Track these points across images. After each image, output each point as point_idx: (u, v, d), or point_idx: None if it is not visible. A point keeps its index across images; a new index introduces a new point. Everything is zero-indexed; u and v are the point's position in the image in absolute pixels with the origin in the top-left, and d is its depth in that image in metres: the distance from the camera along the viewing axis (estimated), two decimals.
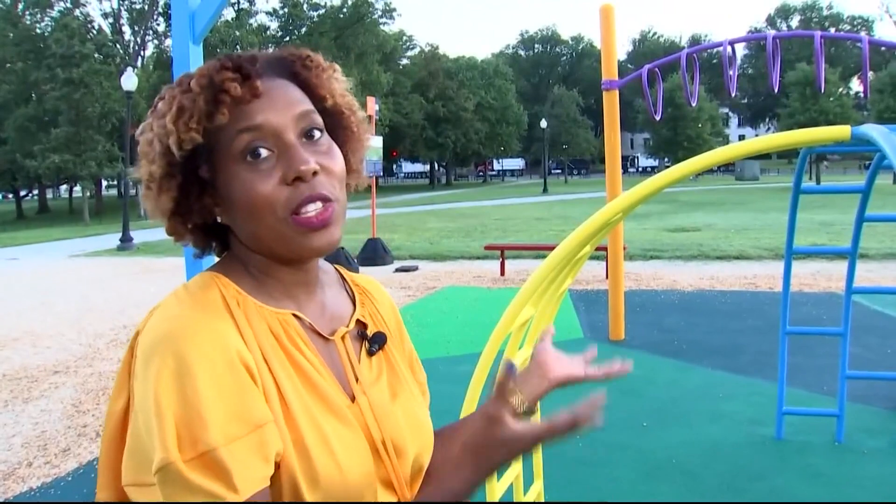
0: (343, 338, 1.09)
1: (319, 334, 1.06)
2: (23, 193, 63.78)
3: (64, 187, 66.83)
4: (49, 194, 62.41)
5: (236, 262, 1.05)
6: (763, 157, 70.84)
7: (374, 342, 1.13)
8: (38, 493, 4.51)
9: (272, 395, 0.94)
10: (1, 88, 47.56)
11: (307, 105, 1.02)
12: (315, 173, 0.97)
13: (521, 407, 1.21)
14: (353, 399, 1.04)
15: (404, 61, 71.15)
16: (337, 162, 1.02)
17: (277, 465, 0.91)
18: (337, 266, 1.22)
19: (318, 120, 1.03)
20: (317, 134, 1.02)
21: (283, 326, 1.01)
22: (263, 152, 0.97)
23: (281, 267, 1.05)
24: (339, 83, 1.09)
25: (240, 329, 0.96)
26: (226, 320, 0.95)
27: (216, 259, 1.10)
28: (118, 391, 0.98)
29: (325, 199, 0.99)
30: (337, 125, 1.09)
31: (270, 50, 1.08)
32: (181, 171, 0.98)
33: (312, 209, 0.98)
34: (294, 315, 1.03)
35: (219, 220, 1.04)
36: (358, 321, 1.14)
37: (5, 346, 8.72)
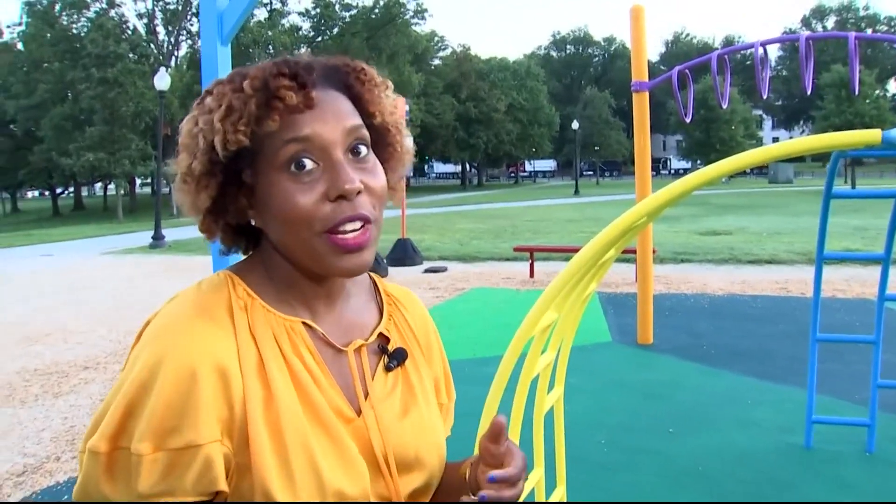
0: (360, 350, 1.07)
1: (332, 345, 1.04)
2: (59, 191, 64.80)
3: (99, 185, 67.78)
4: (84, 192, 63.27)
5: (258, 265, 1.05)
6: (797, 159, 69.96)
7: (394, 358, 1.10)
8: (65, 488, 4.55)
9: (257, 400, 0.93)
10: (38, 88, 48.36)
11: (357, 119, 1.01)
12: (359, 192, 0.96)
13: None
14: (359, 413, 1.02)
15: (436, 62, 71.22)
16: (380, 180, 1.01)
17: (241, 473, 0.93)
18: (372, 274, 1.19)
19: (366, 135, 1.02)
20: (363, 150, 1.00)
21: (288, 334, 1.00)
22: (308, 164, 0.96)
23: (304, 278, 1.04)
24: (389, 100, 1.08)
25: (237, 334, 0.95)
26: (221, 324, 0.95)
27: (241, 257, 1.10)
28: None
29: (366, 221, 0.98)
30: (382, 142, 1.08)
31: (325, 57, 1.05)
32: (222, 171, 0.97)
33: (350, 229, 0.96)
34: (305, 324, 1.02)
35: (252, 222, 1.03)
36: (380, 334, 1.12)
37: (37, 341, 8.85)
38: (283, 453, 0.92)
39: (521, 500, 2.82)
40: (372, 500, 1.00)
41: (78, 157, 43.62)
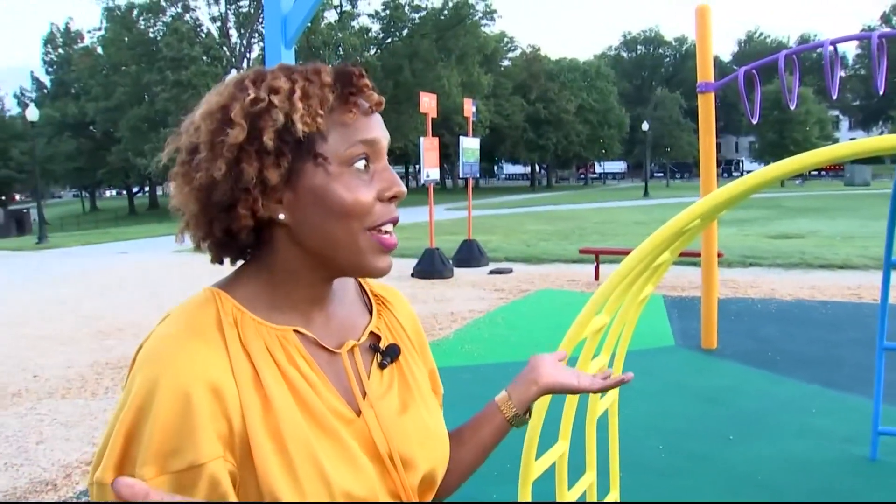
0: (353, 350, 1.09)
1: (325, 348, 1.05)
2: (135, 190, 66.75)
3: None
4: (159, 191, 65.01)
5: (252, 275, 1.04)
6: (875, 161, 67.80)
7: (387, 355, 1.12)
8: None
9: (255, 412, 0.94)
10: (116, 90, 49.92)
11: None
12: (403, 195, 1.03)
13: (509, 412, 1.25)
14: (359, 413, 1.03)
15: (505, 63, 71.18)
16: None
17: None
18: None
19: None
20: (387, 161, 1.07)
21: (281, 343, 1.00)
22: (366, 165, 1.01)
23: (306, 283, 1.04)
24: None
25: (228, 350, 0.96)
26: (213, 342, 0.96)
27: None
28: None
29: (395, 225, 1.04)
30: None
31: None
32: (291, 151, 0.97)
33: (388, 230, 1.03)
34: (296, 331, 1.03)
35: (281, 216, 0.99)
36: (371, 333, 1.14)
37: (110, 335, 9.14)
38: (287, 461, 0.93)
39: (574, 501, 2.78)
40: (382, 498, 1.01)
41: (153, 158, 44.78)
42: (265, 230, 1.02)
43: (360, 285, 1.22)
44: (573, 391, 1.28)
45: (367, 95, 1.01)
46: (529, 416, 1.27)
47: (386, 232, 1.03)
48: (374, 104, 1.02)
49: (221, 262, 1.08)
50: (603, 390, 1.28)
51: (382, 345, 1.13)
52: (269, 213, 0.99)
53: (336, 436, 0.99)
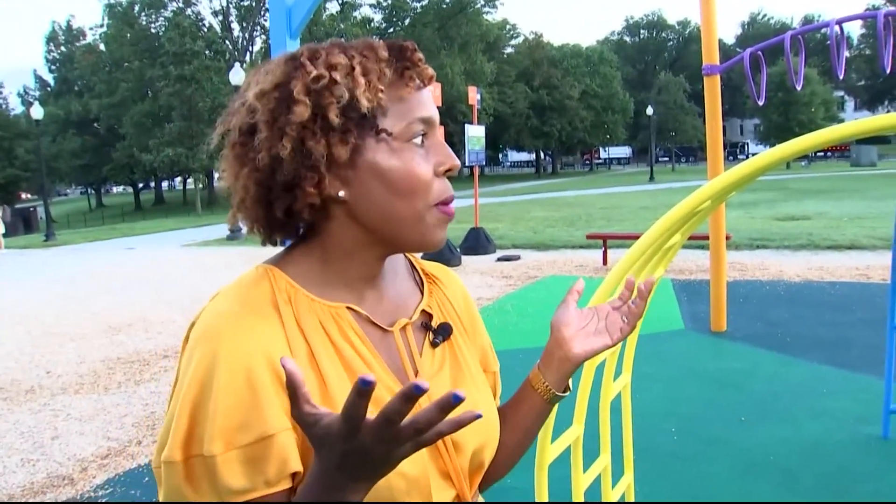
0: (405, 329, 1.08)
1: (378, 326, 1.05)
2: (140, 186, 66.87)
3: (178, 179, 69.67)
4: (164, 186, 65.17)
5: (305, 253, 1.04)
6: (881, 141, 67.46)
7: (439, 333, 1.11)
8: (146, 470, 4.73)
9: (312, 391, 0.92)
10: (119, 87, 49.99)
11: None
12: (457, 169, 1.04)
13: (546, 393, 1.22)
14: None
15: (508, 50, 71.11)
16: None
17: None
18: (407, 253, 1.21)
19: None
20: None
21: (335, 320, 1.00)
22: (423, 141, 1.01)
23: (362, 260, 1.04)
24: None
25: (284, 326, 0.96)
26: (269, 318, 0.95)
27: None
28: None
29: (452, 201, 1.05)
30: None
31: None
32: (356, 126, 0.96)
33: (451, 204, 1.04)
34: (349, 308, 1.03)
35: (342, 193, 0.99)
36: (423, 311, 1.13)
37: (120, 331, 9.18)
38: None
39: (586, 486, 2.79)
40: (434, 479, 1.00)
41: (158, 153, 44.98)
42: (324, 208, 1.01)
43: (411, 264, 1.21)
44: (606, 349, 1.23)
45: (422, 69, 1.01)
46: (569, 389, 1.25)
47: (450, 207, 1.04)
48: (427, 78, 1.02)
49: (275, 244, 1.07)
50: (631, 331, 1.21)
51: (434, 323, 1.13)
52: (332, 191, 0.98)
53: None
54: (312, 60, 0.97)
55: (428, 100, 1.02)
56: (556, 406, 2.39)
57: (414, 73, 1.00)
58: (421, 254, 1.09)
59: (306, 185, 0.96)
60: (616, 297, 1.24)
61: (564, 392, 1.23)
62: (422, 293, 1.16)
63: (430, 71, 1.03)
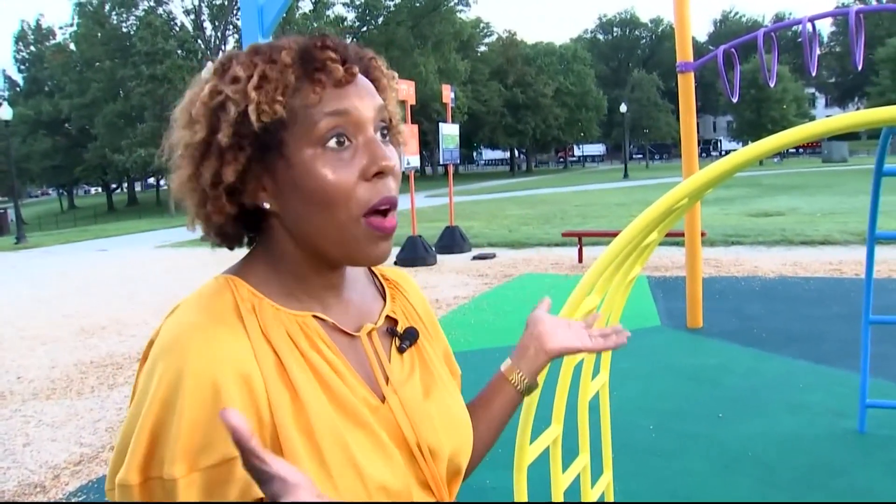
0: (370, 335, 1.04)
1: (345, 333, 1.01)
2: (113, 187, 66.24)
3: (151, 180, 69.11)
4: (137, 187, 64.58)
5: (261, 261, 1.00)
6: (852, 137, 68.29)
7: (405, 338, 1.08)
8: None
9: (283, 405, 0.89)
10: (91, 87, 49.45)
11: (381, 100, 0.99)
12: (392, 170, 0.95)
13: (520, 384, 1.24)
14: (383, 400, 0.99)
15: (482, 48, 71.23)
16: (398, 164, 0.99)
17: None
18: None
19: (388, 118, 1.00)
20: (386, 132, 0.99)
21: (301, 329, 0.96)
22: (342, 142, 0.93)
23: (314, 270, 1.00)
24: (395, 92, 1.06)
25: (250, 337, 0.91)
26: (234, 329, 0.91)
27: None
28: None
29: (394, 206, 0.96)
30: (389, 132, 1.04)
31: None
32: (251, 144, 0.92)
33: (384, 210, 0.95)
34: (315, 316, 0.99)
35: (266, 206, 0.95)
36: (387, 317, 1.09)
37: (93, 334, 9.06)
38: (318, 454, 0.89)
39: (565, 486, 2.77)
40: (415, 490, 0.98)
41: (130, 153, 44.59)
42: (261, 218, 0.98)
43: (370, 269, 1.17)
44: (579, 352, 1.26)
45: (331, 69, 0.92)
46: (538, 384, 1.26)
47: (382, 213, 0.95)
48: (342, 77, 0.93)
49: (231, 248, 1.04)
50: (605, 349, 1.26)
51: (400, 328, 1.09)
52: (253, 202, 0.95)
53: (366, 425, 0.94)
54: (221, 74, 0.95)
55: (347, 95, 0.93)
56: (535, 407, 2.37)
57: (322, 74, 0.92)
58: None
59: (208, 205, 0.95)
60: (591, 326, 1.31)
61: (535, 384, 1.26)
62: (383, 298, 1.13)
63: (345, 69, 0.94)
